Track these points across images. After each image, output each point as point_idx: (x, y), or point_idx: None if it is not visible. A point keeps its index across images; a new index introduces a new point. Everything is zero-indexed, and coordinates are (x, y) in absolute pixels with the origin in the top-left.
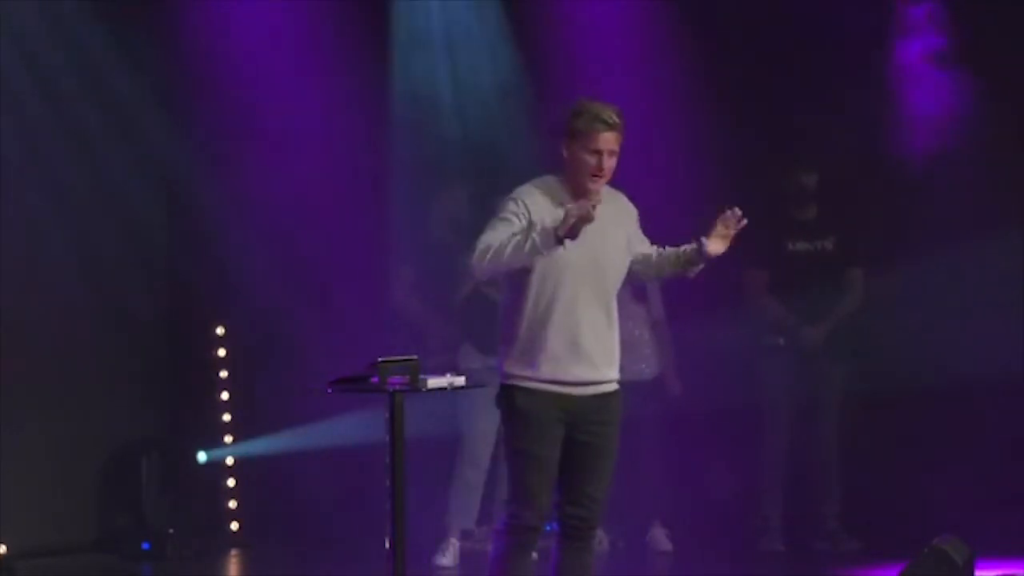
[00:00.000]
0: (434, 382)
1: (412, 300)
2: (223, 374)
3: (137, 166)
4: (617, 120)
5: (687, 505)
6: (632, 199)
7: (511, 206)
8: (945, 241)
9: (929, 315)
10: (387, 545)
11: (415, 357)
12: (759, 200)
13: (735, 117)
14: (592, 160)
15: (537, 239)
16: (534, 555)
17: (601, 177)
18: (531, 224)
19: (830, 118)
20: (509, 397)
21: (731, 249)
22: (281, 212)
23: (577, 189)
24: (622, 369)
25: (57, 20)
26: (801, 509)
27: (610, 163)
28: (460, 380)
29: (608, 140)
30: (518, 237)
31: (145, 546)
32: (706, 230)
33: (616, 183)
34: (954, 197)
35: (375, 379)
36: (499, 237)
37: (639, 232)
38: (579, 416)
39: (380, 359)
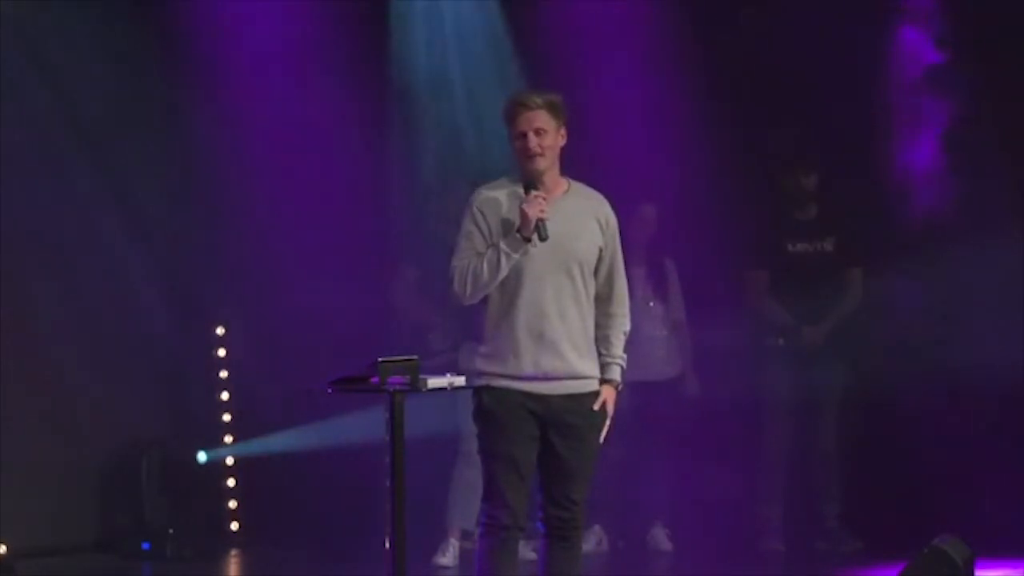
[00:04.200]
0: (434, 382)
1: (413, 299)
2: (223, 374)
3: (139, 167)
4: (537, 100)
5: (687, 505)
6: (616, 207)
7: (468, 221)
8: (945, 241)
9: (929, 315)
10: (387, 545)
11: (415, 357)
12: (759, 201)
13: (735, 118)
14: (519, 143)
15: (504, 245)
16: (532, 555)
17: (534, 155)
18: (490, 231)
19: (830, 118)
20: (478, 397)
21: (732, 250)
22: (282, 212)
23: (524, 176)
24: (641, 368)
25: (62, 21)
26: (801, 509)
27: (539, 141)
28: (460, 380)
29: (530, 120)
30: (488, 252)
31: (145, 546)
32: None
33: (619, 181)
34: (955, 197)
35: (375, 379)
36: (470, 261)
37: (614, 252)
38: (553, 418)
39: (380, 359)
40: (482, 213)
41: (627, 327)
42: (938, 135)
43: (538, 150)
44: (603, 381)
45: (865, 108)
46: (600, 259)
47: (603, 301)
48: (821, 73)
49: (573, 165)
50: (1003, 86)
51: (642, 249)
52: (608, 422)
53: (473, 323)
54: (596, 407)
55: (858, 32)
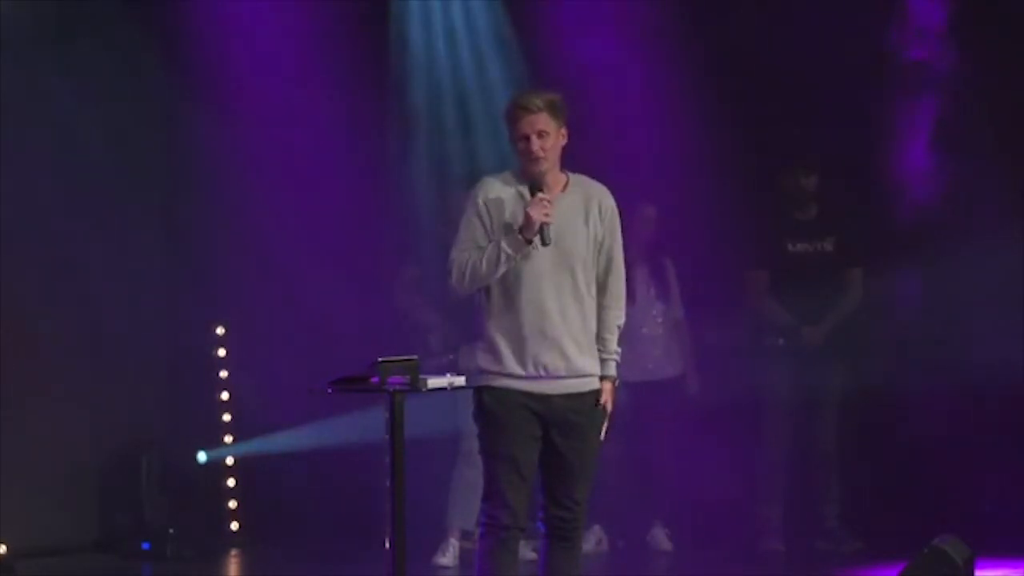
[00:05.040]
0: (434, 382)
1: (413, 300)
2: (223, 374)
3: (139, 167)
4: (539, 103)
5: (687, 505)
6: (617, 199)
7: (470, 210)
8: (945, 241)
9: (929, 315)
10: (387, 545)
11: (415, 357)
12: (760, 201)
13: (735, 118)
14: (521, 145)
15: (505, 245)
16: (532, 555)
17: (537, 159)
18: (492, 225)
19: (830, 118)
20: (479, 397)
21: (732, 250)
22: (283, 212)
23: (526, 177)
24: (641, 368)
25: (61, 21)
26: (801, 509)
27: (542, 143)
28: (460, 380)
29: (531, 123)
30: (488, 249)
31: (145, 546)
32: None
33: (619, 181)
34: (954, 196)
35: (375, 379)
36: (470, 254)
37: (613, 243)
38: (555, 417)
39: (380, 359)
40: (485, 205)
41: (621, 320)
42: (938, 135)
43: (540, 153)
44: (601, 378)
45: (865, 108)
46: (599, 251)
47: (600, 292)
48: (821, 73)
49: (574, 165)
50: (1003, 85)
51: (643, 249)
52: (607, 418)
53: (472, 324)
54: (600, 405)
55: (858, 32)
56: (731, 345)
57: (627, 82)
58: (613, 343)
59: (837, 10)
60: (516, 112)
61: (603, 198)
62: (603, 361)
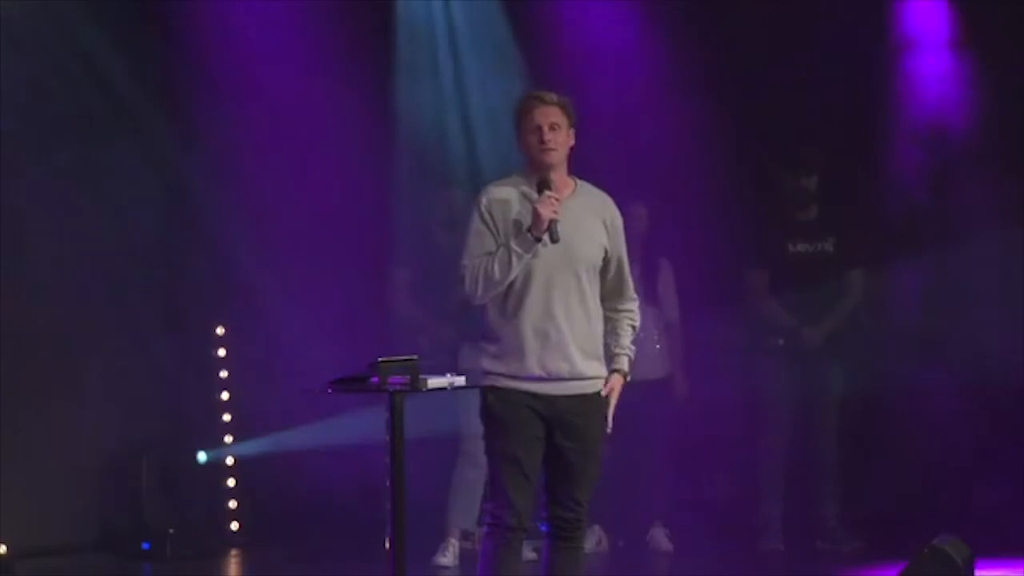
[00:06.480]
0: (434, 382)
1: (408, 302)
2: (223, 374)
3: (139, 167)
4: (554, 97)
5: (687, 505)
6: (620, 207)
7: (476, 219)
8: (945, 241)
9: (930, 316)
10: (387, 545)
11: (415, 357)
12: (760, 201)
13: (736, 118)
14: (535, 137)
15: (515, 245)
16: (533, 555)
17: (548, 149)
18: (499, 230)
19: (830, 118)
20: (484, 397)
21: (732, 250)
22: (281, 213)
23: (535, 171)
24: (631, 369)
25: (60, 21)
26: (801, 509)
27: (554, 135)
28: (460, 380)
29: (545, 113)
30: (499, 252)
31: (145, 546)
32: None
33: (620, 180)
34: (955, 196)
35: (375, 379)
36: (480, 261)
37: (621, 251)
38: (558, 418)
39: (380, 359)
40: (490, 212)
41: (636, 322)
42: (937, 135)
43: (552, 144)
44: (611, 371)
45: (865, 108)
46: (606, 259)
47: (612, 298)
48: (821, 72)
49: (573, 163)
50: (1003, 84)
51: (635, 249)
52: (612, 410)
53: (467, 325)
54: (604, 393)
55: (858, 31)
56: (731, 345)
57: (626, 81)
58: (626, 339)
59: (838, 9)
60: (531, 102)
61: (611, 208)
62: (615, 356)
